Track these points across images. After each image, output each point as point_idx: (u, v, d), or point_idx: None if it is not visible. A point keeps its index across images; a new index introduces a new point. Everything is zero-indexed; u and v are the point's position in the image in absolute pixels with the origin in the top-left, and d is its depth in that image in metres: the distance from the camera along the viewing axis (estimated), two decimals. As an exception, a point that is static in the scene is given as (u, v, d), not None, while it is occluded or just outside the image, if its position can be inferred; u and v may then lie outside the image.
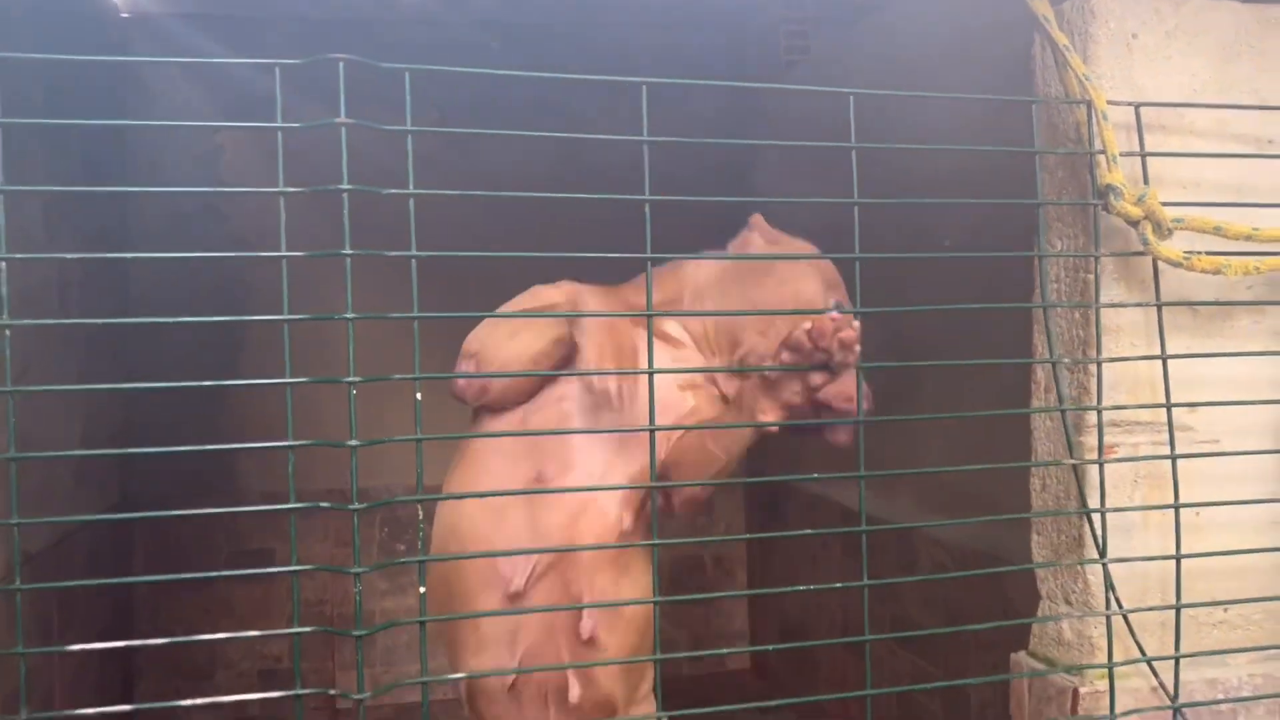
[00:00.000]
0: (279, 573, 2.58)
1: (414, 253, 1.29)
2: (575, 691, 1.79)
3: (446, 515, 1.91)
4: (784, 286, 1.88)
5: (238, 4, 3.91)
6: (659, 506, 1.75)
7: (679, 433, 1.80)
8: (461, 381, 1.85)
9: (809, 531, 1.67)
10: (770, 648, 4.86)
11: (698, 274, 1.98)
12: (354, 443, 1.25)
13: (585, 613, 1.76)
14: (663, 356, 1.88)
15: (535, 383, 1.86)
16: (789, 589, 3.56)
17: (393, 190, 1.28)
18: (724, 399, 1.92)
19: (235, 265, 3.95)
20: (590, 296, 1.92)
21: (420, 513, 1.34)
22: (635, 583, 1.81)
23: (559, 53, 3.37)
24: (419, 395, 1.31)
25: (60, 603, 3.11)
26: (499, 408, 1.88)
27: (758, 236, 1.99)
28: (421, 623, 1.32)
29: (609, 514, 1.80)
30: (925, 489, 3.00)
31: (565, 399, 1.86)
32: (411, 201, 1.30)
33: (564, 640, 1.79)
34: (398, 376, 1.29)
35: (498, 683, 1.79)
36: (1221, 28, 1.66)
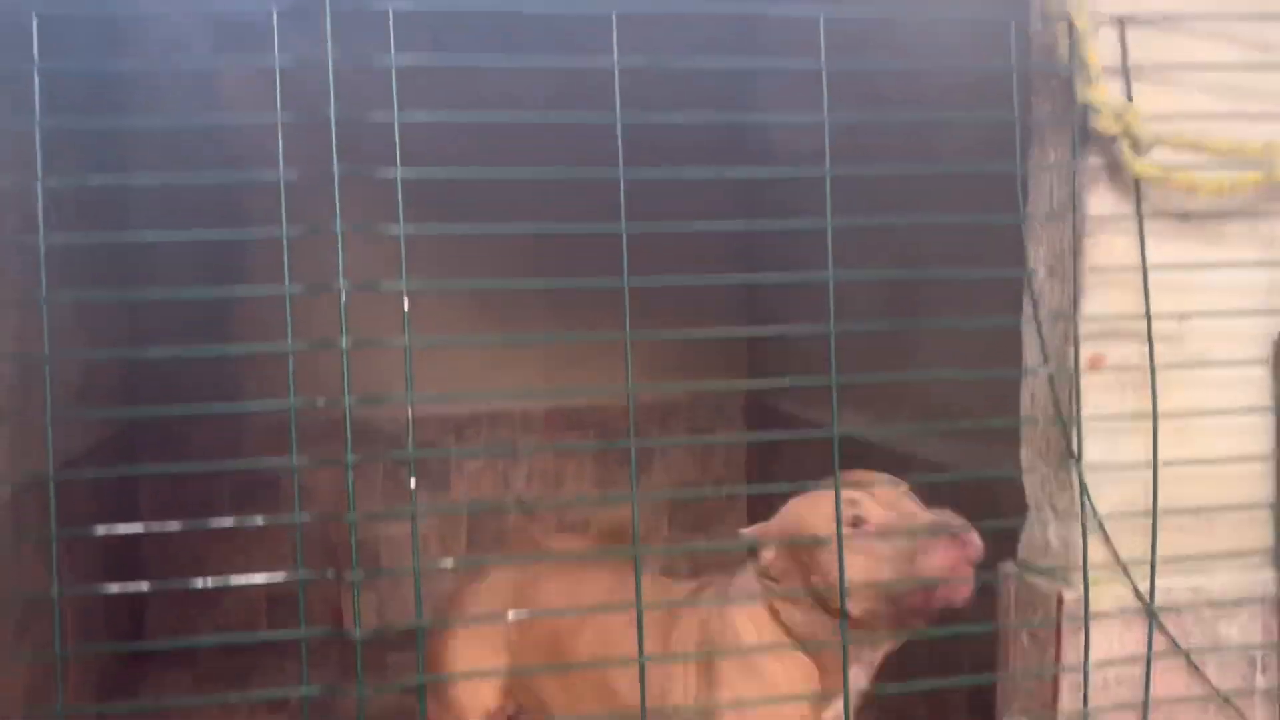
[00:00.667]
0: (280, 520, 2.62)
1: (398, 169, 1.31)
2: None
3: None
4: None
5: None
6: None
7: None
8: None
9: (776, 435, 1.68)
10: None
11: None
12: (345, 344, 1.28)
13: None
14: None
15: None
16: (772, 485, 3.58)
17: (379, 117, 1.29)
18: None
19: (229, 190, 3.92)
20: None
21: (410, 417, 1.36)
22: None
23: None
24: (406, 305, 1.33)
25: (64, 525, 3.16)
26: None
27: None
28: (416, 571, 1.36)
29: None
30: (924, 416, 3.02)
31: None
32: (396, 126, 1.31)
33: None
34: (387, 286, 1.32)
35: None
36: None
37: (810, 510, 1.86)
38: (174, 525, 1.36)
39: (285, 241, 1.33)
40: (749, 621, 1.90)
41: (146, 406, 3.92)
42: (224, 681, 3.76)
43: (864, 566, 1.68)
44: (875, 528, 1.73)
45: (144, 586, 1.48)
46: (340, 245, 1.31)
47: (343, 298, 1.31)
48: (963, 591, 1.65)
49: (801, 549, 1.81)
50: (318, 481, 4.08)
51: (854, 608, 1.68)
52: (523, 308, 4.31)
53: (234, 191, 3.86)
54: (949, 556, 1.65)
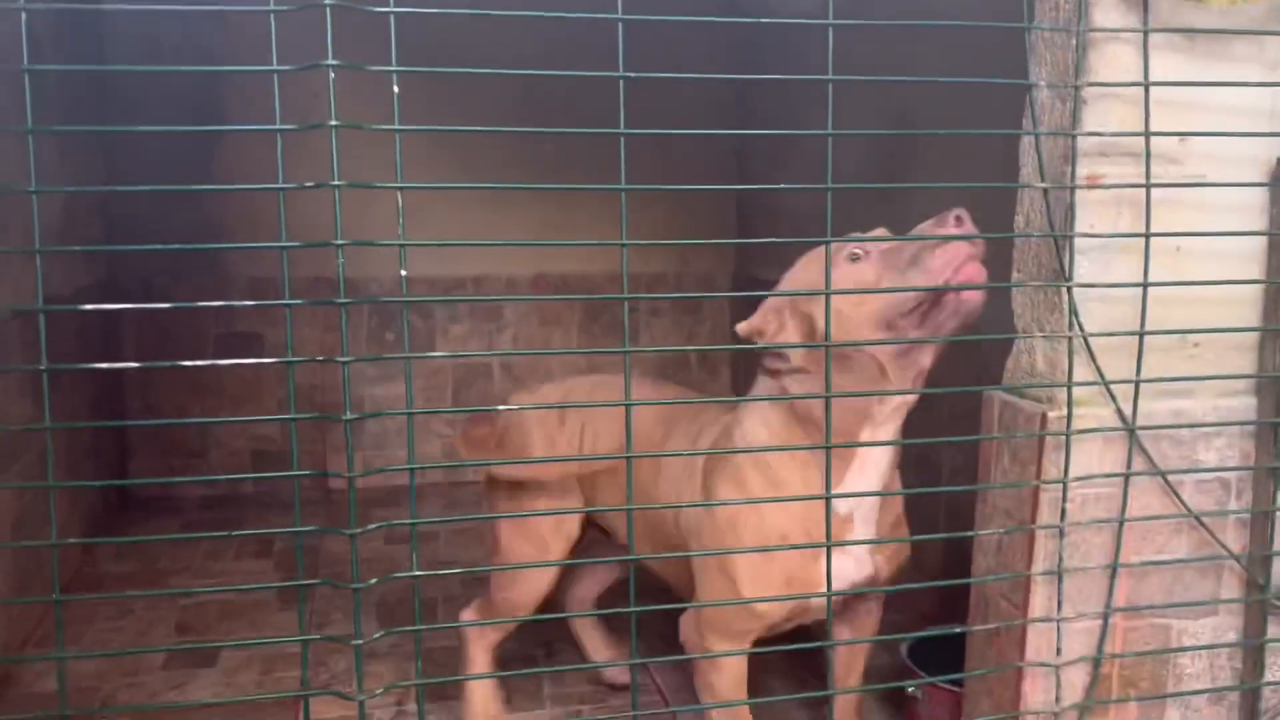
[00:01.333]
0: (269, 361, 2.61)
1: (392, 8, 1.26)
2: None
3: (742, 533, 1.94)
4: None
5: None
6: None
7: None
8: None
9: (759, 294, 1.67)
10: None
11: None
12: (337, 183, 1.26)
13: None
14: None
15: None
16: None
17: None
18: None
19: (214, 36, 3.82)
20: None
21: (402, 256, 1.34)
22: None
23: None
24: (399, 146, 1.30)
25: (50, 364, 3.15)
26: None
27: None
28: (409, 414, 1.35)
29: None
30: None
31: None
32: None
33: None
34: (376, 127, 1.29)
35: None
36: None
37: (805, 265, 1.93)
38: (165, 364, 1.34)
39: (275, 78, 1.28)
40: (761, 425, 1.96)
41: (123, 256, 3.88)
42: (209, 527, 3.81)
43: (868, 283, 1.75)
44: (875, 253, 1.80)
45: (136, 423, 1.47)
46: (331, 83, 1.26)
47: (334, 137, 1.28)
48: (973, 290, 1.70)
49: (803, 301, 1.86)
50: (303, 339, 4.07)
51: (865, 332, 1.74)
52: (509, 175, 4.25)
53: (215, 39, 3.75)
54: (953, 251, 1.70)
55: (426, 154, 3.77)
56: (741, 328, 1.93)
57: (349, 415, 1.33)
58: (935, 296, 1.71)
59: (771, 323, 1.91)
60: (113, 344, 3.95)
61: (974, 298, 1.71)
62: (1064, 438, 1.61)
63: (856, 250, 1.81)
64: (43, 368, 1.34)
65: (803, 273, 1.93)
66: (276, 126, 1.29)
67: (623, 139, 1.41)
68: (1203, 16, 1.59)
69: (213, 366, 3.48)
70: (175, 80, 3.88)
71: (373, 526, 1.39)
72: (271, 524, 3.74)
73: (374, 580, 1.35)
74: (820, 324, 1.79)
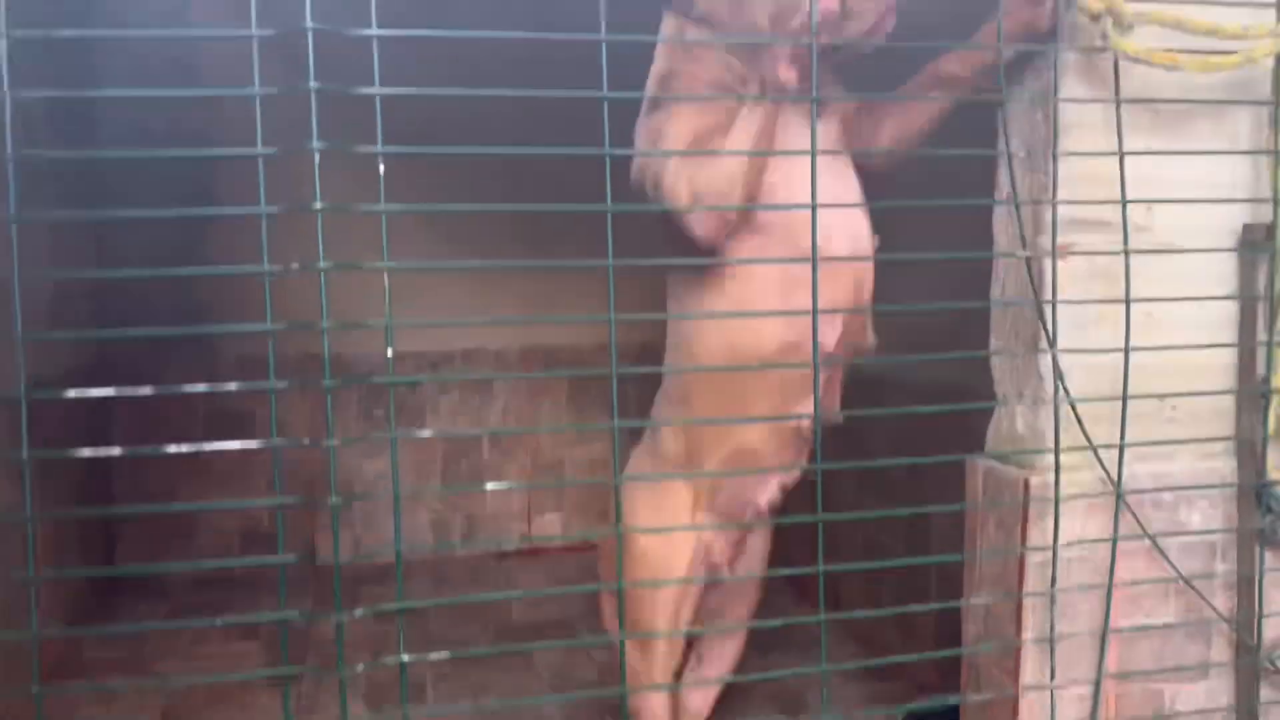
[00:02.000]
0: (256, 444, 2.62)
1: (377, 89, 1.30)
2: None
3: (727, 328, 1.92)
4: None
5: None
6: None
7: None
8: (708, 230, 1.84)
9: (749, 367, 1.69)
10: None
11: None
12: (323, 265, 1.29)
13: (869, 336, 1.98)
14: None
15: (754, 195, 1.83)
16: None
17: (356, 31, 1.29)
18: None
19: (203, 117, 3.87)
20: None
21: (389, 338, 1.36)
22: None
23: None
24: (385, 228, 1.34)
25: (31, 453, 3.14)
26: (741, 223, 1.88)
27: None
28: (395, 496, 1.36)
29: (868, 238, 1.90)
30: (901, 331, 3.05)
31: (777, 186, 1.85)
32: (375, 44, 1.30)
33: (867, 283, 1.92)
34: (365, 208, 1.33)
35: (765, 442, 1.96)
36: None
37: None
38: (149, 450, 1.36)
39: (260, 161, 1.31)
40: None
41: (118, 340, 3.90)
42: (197, 613, 3.76)
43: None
44: None
45: (115, 510, 1.48)
46: (316, 164, 1.30)
47: (319, 221, 1.31)
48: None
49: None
50: (291, 418, 4.06)
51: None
52: (498, 245, 4.29)
53: (205, 124, 3.81)
54: None
55: (415, 228, 3.81)
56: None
57: (335, 499, 1.34)
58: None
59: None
60: (101, 424, 3.95)
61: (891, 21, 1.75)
62: (1050, 503, 1.63)
63: None
64: (24, 455, 1.35)
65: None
66: (261, 208, 1.30)
67: (609, 215, 1.44)
68: (1165, 90, 1.65)
69: (198, 451, 3.43)
70: (166, 163, 3.93)
71: (359, 612, 1.38)
72: (260, 605, 3.70)
73: (360, 666, 1.35)
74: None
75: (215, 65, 3.94)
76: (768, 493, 2.08)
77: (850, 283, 1.89)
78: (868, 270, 1.91)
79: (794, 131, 1.84)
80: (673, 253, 1.92)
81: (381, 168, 1.35)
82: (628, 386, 4.87)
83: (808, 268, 1.70)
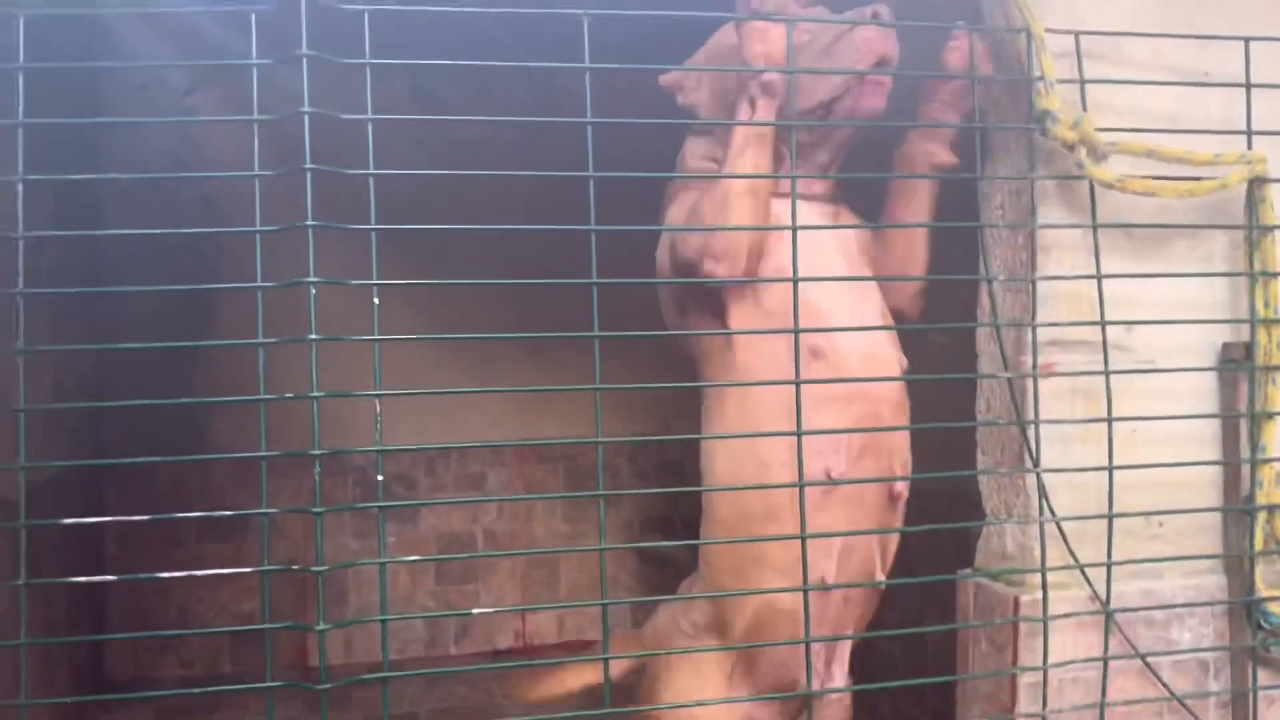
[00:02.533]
0: (246, 570, 2.61)
1: (371, 171, 1.34)
2: (880, 573, 1.81)
3: (733, 443, 1.81)
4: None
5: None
6: None
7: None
8: (723, 267, 1.75)
9: (743, 488, 1.71)
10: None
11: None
12: (316, 394, 1.32)
13: (898, 470, 1.79)
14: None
15: (756, 246, 1.77)
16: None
17: (352, 116, 1.33)
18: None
19: (201, 220, 3.94)
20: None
21: (380, 462, 1.39)
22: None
23: (554, 32, 3.49)
24: (377, 300, 1.36)
25: (28, 554, 3.13)
26: (756, 270, 1.78)
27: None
28: (383, 623, 1.38)
29: (890, 362, 1.80)
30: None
31: (784, 269, 1.73)
32: (370, 129, 1.35)
33: (879, 509, 1.77)
34: (358, 338, 1.36)
35: (794, 598, 1.63)
36: (1161, -37, 1.72)
37: (731, 30, 1.85)
38: (138, 575, 1.38)
39: (259, 294, 1.35)
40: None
41: (113, 437, 3.91)
42: (186, 715, 3.70)
43: (784, 49, 1.67)
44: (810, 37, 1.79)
45: (113, 636, 1.49)
46: (312, 300, 1.34)
47: (314, 350, 1.34)
48: (882, 37, 1.70)
49: (728, 57, 1.82)
50: (286, 521, 4.05)
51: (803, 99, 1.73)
52: (489, 348, 4.33)
53: (207, 246, 3.89)
54: (862, 41, 1.71)
55: (408, 320, 3.86)
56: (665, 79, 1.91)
57: (323, 625, 1.34)
58: (841, 89, 1.74)
59: (689, 81, 1.90)
60: (95, 524, 3.93)
61: (874, 104, 1.73)
62: (1040, 622, 1.63)
63: (777, 10, 1.76)
64: (20, 582, 1.37)
65: (730, 33, 1.86)
66: (259, 340, 1.34)
67: (596, 343, 1.47)
68: (1138, 214, 1.69)
69: (189, 577, 3.43)
70: (168, 268, 3.99)
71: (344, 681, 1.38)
72: (250, 709, 3.64)
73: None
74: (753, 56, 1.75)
75: (215, 168, 4.02)
76: (818, 664, 1.82)
77: (861, 414, 1.73)
78: (888, 406, 1.78)
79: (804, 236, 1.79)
80: (687, 363, 1.90)
81: (376, 300, 1.39)
82: (622, 481, 4.85)
83: (816, 395, 1.69)
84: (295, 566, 1.33)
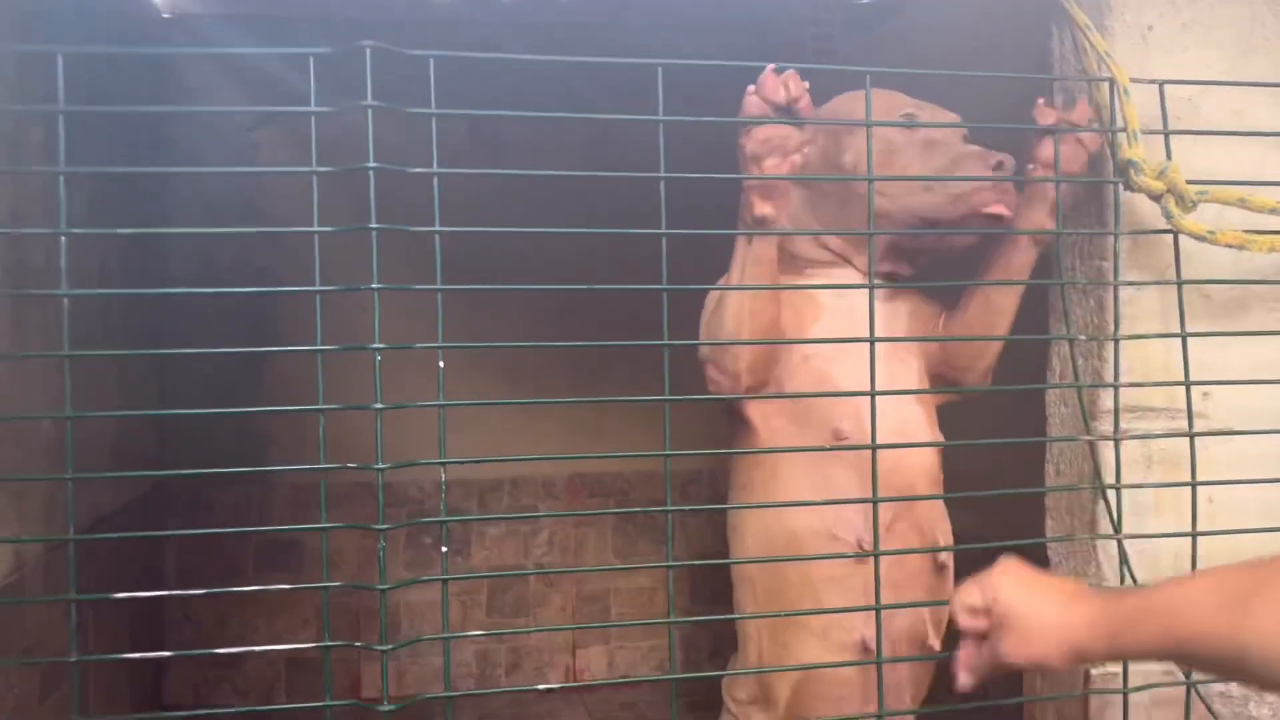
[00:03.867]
0: (307, 587, 2.63)
1: (438, 228, 1.34)
2: (935, 639, 1.76)
3: (762, 512, 1.79)
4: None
5: (273, 4, 4.00)
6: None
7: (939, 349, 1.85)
8: (724, 383, 1.74)
9: (795, 503, 1.69)
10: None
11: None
12: (379, 405, 1.30)
13: (941, 540, 1.76)
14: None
15: (772, 350, 1.75)
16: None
17: (418, 169, 1.34)
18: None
19: (269, 257, 4.01)
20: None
21: (444, 476, 1.38)
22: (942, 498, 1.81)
23: (585, 53, 3.53)
24: (441, 363, 1.36)
25: (93, 585, 3.18)
26: (762, 385, 1.77)
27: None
28: (446, 641, 1.37)
29: (924, 439, 1.77)
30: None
31: (810, 357, 1.77)
32: (436, 181, 1.35)
33: (923, 581, 1.74)
34: (421, 345, 1.35)
35: (852, 655, 1.70)
36: (1238, 20, 1.69)
37: (856, 101, 1.76)
38: (197, 591, 1.39)
39: (318, 299, 1.34)
40: None
41: (175, 468, 3.98)
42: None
43: (902, 165, 1.67)
44: (924, 139, 1.73)
45: (166, 653, 1.50)
46: (376, 303, 1.33)
47: (377, 359, 1.33)
48: (1000, 195, 1.66)
49: (839, 133, 1.76)
50: (341, 545, 4.09)
51: (888, 202, 1.69)
52: (547, 379, 4.35)
53: (270, 265, 3.96)
54: (986, 165, 1.66)
55: (466, 360, 3.89)
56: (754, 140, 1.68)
57: (386, 646, 1.33)
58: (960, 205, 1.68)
59: (809, 130, 1.75)
60: (156, 551, 4.00)
61: (999, 203, 1.67)
62: (1117, 696, 1.59)
63: (913, 113, 1.74)
64: (72, 597, 1.38)
65: (854, 104, 1.75)
66: (318, 348, 1.34)
67: (666, 351, 1.44)
68: (1217, 273, 1.65)
69: (247, 608, 3.48)
70: (229, 301, 4.06)
71: None
72: (303, 737, 3.68)
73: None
74: (847, 158, 1.74)
75: (282, 207, 4.09)
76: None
77: (893, 490, 1.68)
78: (923, 482, 1.76)
79: (855, 308, 1.75)
80: (730, 437, 1.89)
81: (441, 308, 1.36)
82: (673, 516, 4.84)
83: (842, 461, 1.70)
84: (356, 584, 1.32)
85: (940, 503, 1.77)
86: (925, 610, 1.76)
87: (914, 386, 1.79)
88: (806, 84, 1.55)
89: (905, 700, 1.77)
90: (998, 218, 1.68)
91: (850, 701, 1.71)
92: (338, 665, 4.13)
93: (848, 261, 1.83)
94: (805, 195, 1.83)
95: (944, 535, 1.77)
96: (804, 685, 1.75)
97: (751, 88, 1.54)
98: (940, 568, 1.77)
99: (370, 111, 1.31)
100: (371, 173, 1.31)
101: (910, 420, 1.75)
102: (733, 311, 1.68)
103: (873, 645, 1.64)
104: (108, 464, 3.33)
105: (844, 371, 1.70)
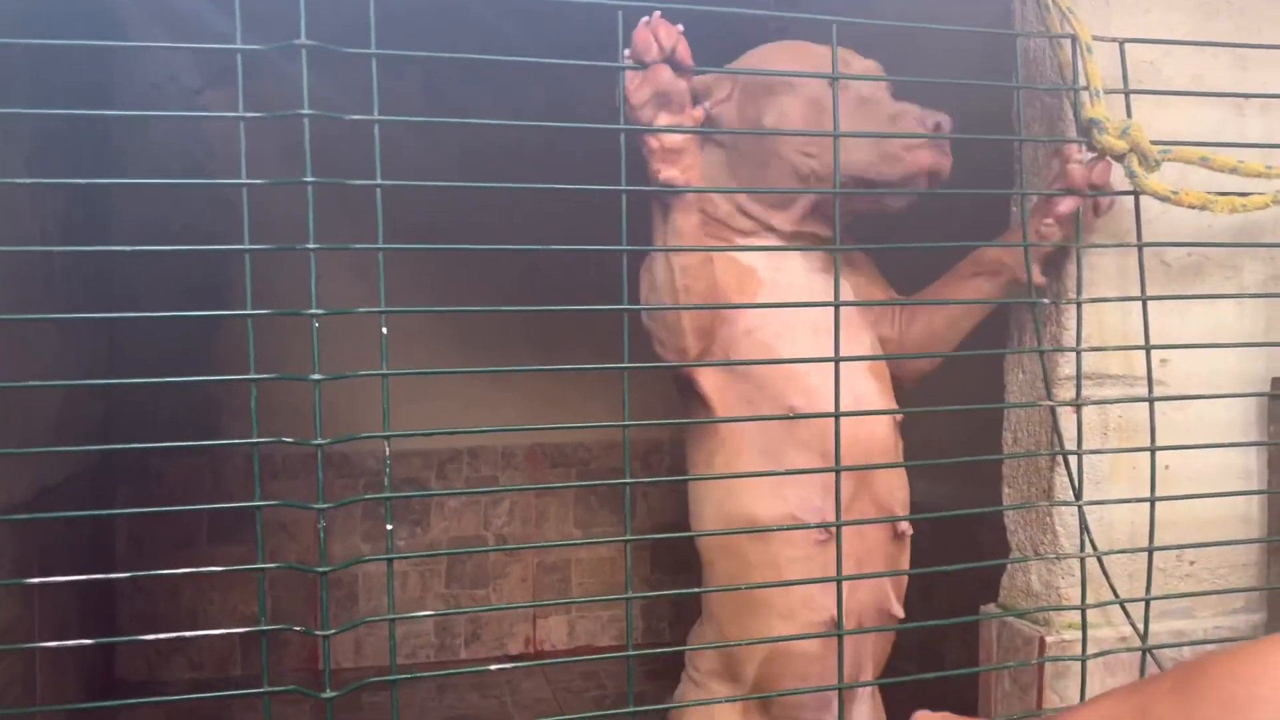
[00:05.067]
0: (243, 569, 2.57)
1: (379, 181, 1.25)
2: (898, 608, 1.73)
3: (720, 497, 1.74)
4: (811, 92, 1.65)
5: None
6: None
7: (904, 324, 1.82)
8: (670, 357, 1.67)
9: (759, 474, 1.67)
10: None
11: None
12: (316, 376, 1.22)
13: (898, 511, 1.71)
14: (789, 261, 1.74)
15: (715, 313, 1.67)
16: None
17: (357, 116, 1.24)
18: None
19: (218, 222, 3.90)
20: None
21: (388, 450, 1.32)
22: (903, 472, 1.76)
23: (562, 24, 3.42)
24: (384, 329, 1.29)
25: (40, 555, 3.11)
26: (708, 352, 1.70)
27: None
28: (391, 622, 1.29)
29: (881, 418, 1.71)
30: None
31: (754, 330, 1.71)
32: (376, 129, 1.28)
33: (883, 552, 1.70)
34: (363, 310, 1.26)
35: (809, 649, 1.67)
36: (1201, -18, 1.66)
37: (777, 52, 1.73)
38: (141, 573, 1.31)
39: (248, 258, 1.24)
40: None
41: (124, 439, 3.89)
42: (197, 716, 3.69)
43: (828, 121, 1.55)
44: (856, 96, 1.65)
45: (115, 639, 1.44)
46: (313, 264, 1.24)
47: (314, 325, 1.22)
48: (940, 155, 1.61)
49: (757, 93, 1.68)
50: (298, 514, 4.03)
51: (817, 163, 1.63)
52: (503, 350, 4.30)
53: (220, 230, 3.86)
54: (923, 125, 1.60)
55: (418, 326, 3.83)
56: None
57: (327, 630, 1.25)
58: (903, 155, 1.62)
59: (724, 86, 1.70)
60: (105, 523, 3.92)
61: (939, 159, 1.62)
62: (1068, 663, 1.58)
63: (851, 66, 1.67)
64: (33, 581, 1.31)
65: (779, 55, 1.73)
66: (249, 312, 1.25)
67: (625, 316, 1.38)
68: (1179, 237, 1.64)
69: (198, 580, 3.43)
70: (178, 260, 3.96)
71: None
72: (260, 711, 3.63)
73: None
74: (768, 120, 1.66)
75: (229, 170, 3.98)
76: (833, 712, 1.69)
77: (849, 461, 1.60)
78: (880, 453, 1.71)
79: (796, 281, 1.73)
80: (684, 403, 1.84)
81: (382, 267, 1.27)
82: (637, 487, 4.82)
83: (794, 432, 1.66)
84: (293, 565, 1.25)
85: (898, 473, 1.74)
86: (887, 581, 1.73)
87: (868, 367, 1.73)
88: (680, 27, 1.42)
89: (868, 673, 1.76)
90: (936, 175, 1.62)
91: (819, 678, 1.69)
92: (293, 636, 4.09)
93: (770, 228, 1.74)
94: (721, 159, 1.74)
95: (901, 505, 1.75)
96: (771, 662, 1.72)
97: (628, 50, 1.42)
98: (899, 536, 1.75)
99: (305, 53, 1.18)
100: (306, 120, 1.20)
101: (865, 395, 1.70)
102: (664, 283, 1.60)
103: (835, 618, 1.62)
104: (52, 435, 3.24)
105: (790, 348, 1.65)
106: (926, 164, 1.61)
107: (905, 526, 1.74)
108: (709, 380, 1.71)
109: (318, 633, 1.25)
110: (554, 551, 4.51)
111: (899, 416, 1.76)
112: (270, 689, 1.26)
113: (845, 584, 1.58)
